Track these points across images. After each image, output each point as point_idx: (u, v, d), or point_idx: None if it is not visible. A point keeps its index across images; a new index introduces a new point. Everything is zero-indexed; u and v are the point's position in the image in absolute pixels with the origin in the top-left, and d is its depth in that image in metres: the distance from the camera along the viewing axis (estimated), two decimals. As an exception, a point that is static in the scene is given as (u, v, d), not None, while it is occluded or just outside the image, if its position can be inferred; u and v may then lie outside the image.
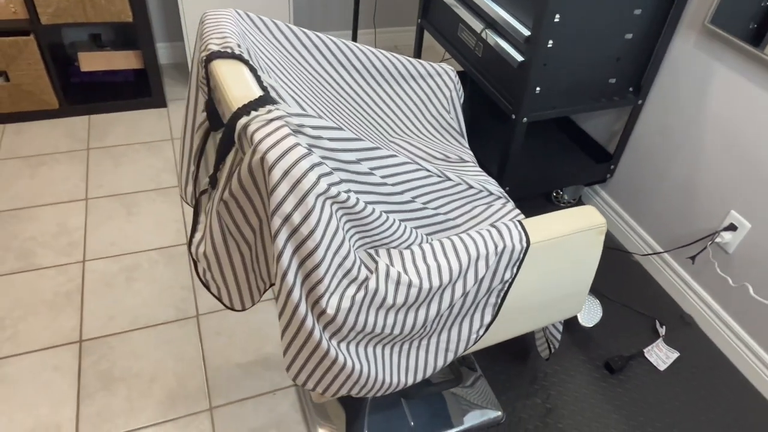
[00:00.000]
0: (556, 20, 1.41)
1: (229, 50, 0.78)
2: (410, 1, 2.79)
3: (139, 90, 2.33)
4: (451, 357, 0.89)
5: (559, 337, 1.26)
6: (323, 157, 0.72)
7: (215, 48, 0.79)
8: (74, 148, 2.07)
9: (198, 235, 0.79)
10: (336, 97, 1.11)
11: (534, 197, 2.01)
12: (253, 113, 0.66)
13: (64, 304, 1.53)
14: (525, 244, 0.83)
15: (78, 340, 1.45)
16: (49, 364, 1.39)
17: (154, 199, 1.89)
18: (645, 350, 1.55)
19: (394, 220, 0.78)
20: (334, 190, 0.66)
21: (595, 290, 1.70)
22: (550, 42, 1.44)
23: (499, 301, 0.87)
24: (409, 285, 0.75)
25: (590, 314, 1.54)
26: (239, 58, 0.77)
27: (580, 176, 1.90)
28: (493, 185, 1.21)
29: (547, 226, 0.86)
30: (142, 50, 2.19)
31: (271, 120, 0.65)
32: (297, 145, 0.64)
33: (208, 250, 0.78)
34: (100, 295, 1.57)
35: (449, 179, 1.09)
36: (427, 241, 0.87)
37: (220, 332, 1.51)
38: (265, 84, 0.76)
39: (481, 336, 0.89)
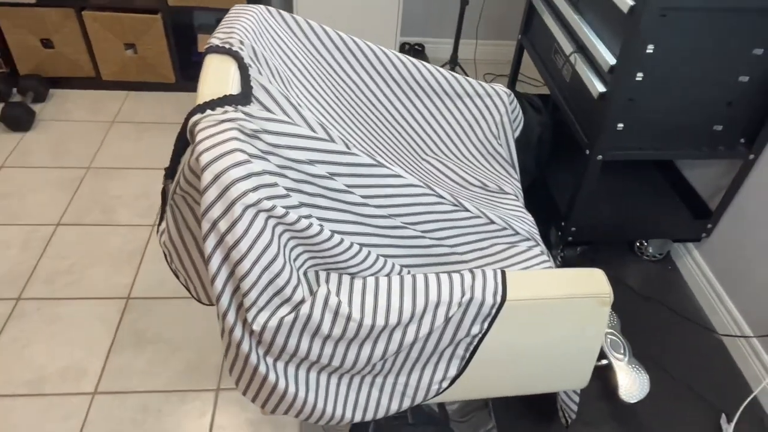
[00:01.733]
0: (649, 51, 1.24)
1: (227, 45, 0.78)
2: (516, 16, 2.65)
3: (247, 75, 2.47)
4: (408, 402, 0.81)
5: (574, 407, 1.11)
6: (283, 167, 0.69)
7: (216, 42, 0.79)
8: (178, 120, 2.25)
9: (163, 224, 0.80)
10: (365, 107, 1.07)
11: (612, 244, 1.81)
12: (208, 111, 0.65)
13: (125, 261, 1.67)
14: (499, 299, 0.73)
15: (126, 297, 1.57)
16: (96, 312, 1.52)
17: (231, 178, 1.99)
18: (699, 445, 1.32)
19: (352, 245, 0.73)
20: (267, 204, 0.63)
21: (657, 362, 1.48)
22: (640, 74, 1.27)
23: (467, 354, 0.78)
24: (348, 318, 0.69)
25: (634, 387, 1.34)
26: (234, 54, 0.77)
27: (671, 230, 1.67)
28: (524, 224, 1.10)
29: (536, 283, 0.75)
30: (253, 38, 2.31)
31: (222, 121, 0.64)
32: (235, 150, 0.62)
33: (168, 240, 0.79)
34: (157, 259, 1.68)
35: (466, 210, 1.00)
36: (399, 273, 0.80)
37: (250, 317, 1.55)
38: (252, 83, 0.74)
39: (445, 388, 0.80)
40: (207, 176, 0.61)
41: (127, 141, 2.12)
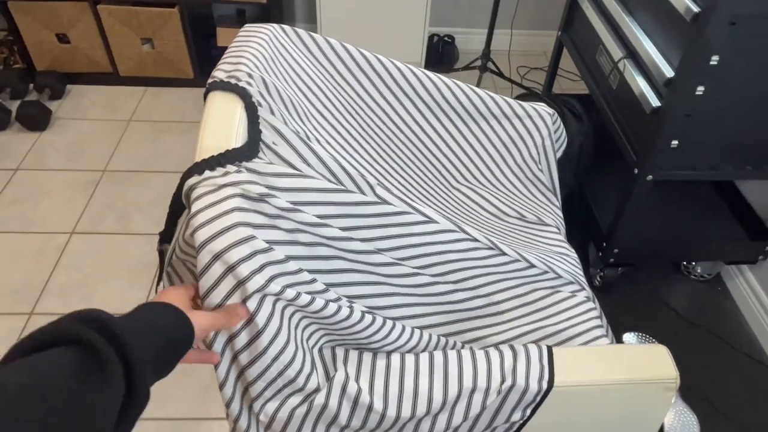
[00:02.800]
0: (713, 63, 1.09)
1: (233, 80, 0.68)
2: (555, 6, 2.47)
3: (268, 69, 2.36)
4: None
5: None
6: (293, 230, 0.59)
7: (221, 76, 0.69)
8: (197, 119, 2.16)
9: (160, 286, 0.72)
10: (390, 132, 0.96)
11: (658, 264, 1.67)
12: (207, 173, 0.55)
13: (141, 274, 1.61)
14: (545, 386, 0.62)
15: (140, 313, 1.51)
16: (110, 330, 1.46)
17: (250, 183, 1.91)
18: (752, 497, 1.20)
19: (375, 319, 0.63)
20: (275, 288, 0.53)
21: (708, 401, 1.36)
22: (700, 88, 1.13)
23: None
24: (370, 409, 0.60)
25: (681, 429, 1.23)
26: (240, 92, 0.66)
27: (724, 251, 1.53)
28: (567, 264, 0.98)
29: (589, 365, 0.64)
30: (274, 31, 2.20)
31: (222, 186, 0.54)
32: (237, 225, 0.52)
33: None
34: (172, 273, 1.61)
35: (503, 253, 0.89)
36: (427, 343, 0.70)
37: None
38: (262, 127, 0.64)
39: None
40: (205, 256, 0.52)
41: (143, 141, 2.05)
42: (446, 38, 2.50)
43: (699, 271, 1.62)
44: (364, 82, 0.92)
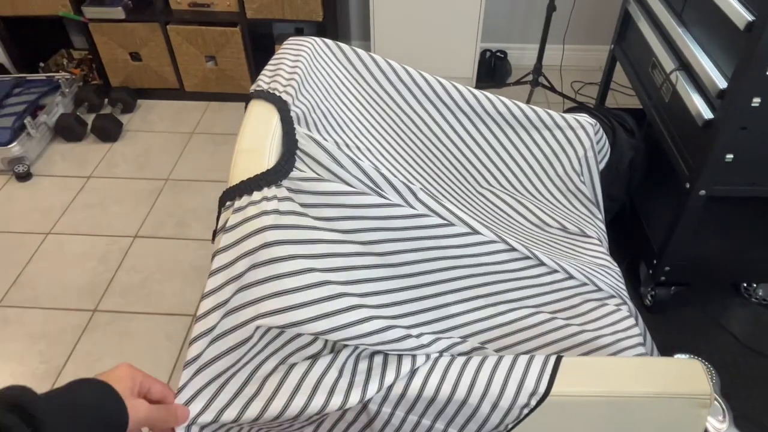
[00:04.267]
0: (770, 74, 1.05)
1: (272, 91, 0.72)
2: (608, 21, 2.42)
3: (322, 85, 2.44)
4: None
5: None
6: (331, 240, 0.62)
7: (263, 86, 0.73)
8: (254, 132, 2.26)
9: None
10: (429, 142, 0.98)
11: (715, 285, 1.59)
12: (237, 203, 0.58)
13: (195, 277, 1.69)
14: (534, 401, 0.61)
15: (192, 314, 1.59)
16: (164, 329, 1.55)
17: (301, 194, 1.97)
18: None
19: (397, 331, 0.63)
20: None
21: (766, 429, 1.28)
22: (757, 100, 1.09)
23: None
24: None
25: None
26: (278, 102, 0.70)
27: (787, 272, 1.44)
28: (608, 277, 0.96)
29: (615, 375, 0.63)
30: (329, 48, 2.28)
31: (254, 216, 0.57)
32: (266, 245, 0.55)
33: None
34: (224, 277, 1.68)
35: (541, 263, 0.89)
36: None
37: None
38: (298, 137, 0.68)
39: None
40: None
41: (204, 153, 2.16)
42: (498, 53, 2.50)
43: (761, 294, 1.53)
44: (404, 93, 0.95)
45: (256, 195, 0.59)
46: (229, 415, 0.57)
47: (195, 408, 0.57)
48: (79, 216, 1.89)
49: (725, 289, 1.58)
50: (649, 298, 1.51)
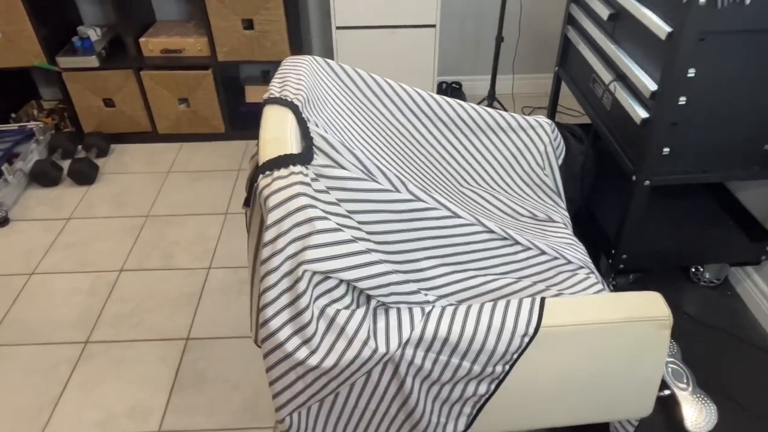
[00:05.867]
0: (691, 75, 1.24)
1: (284, 97, 0.84)
2: (550, 49, 2.69)
3: (291, 121, 2.58)
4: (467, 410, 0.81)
5: (630, 438, 1.08)
6: (341, 224, 0.73)
7: (275, 94, 0.85)
8: (229, 167, 2.36)
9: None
10: (411, 146, 1.11)
11: (666, 271, 1.77)
12: (276, 173, 0.69)
13: (184, 303, 1.74)
14: (533, 330, 0.73)
15: (185, 338, 1.63)
16: (158, 354, 1.58)
17: (280, 220, 2.06)
18: (777, 480, 1.25)
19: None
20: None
21: (725, 393, 1.42)
22: (683, 99, 1.28)
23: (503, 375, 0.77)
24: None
25: (700, 418, 1.29)
26: (290, 105, 0.82)
27: (727, 254, 1.62)
28: (577, 252, 1.10)
29: (583, 309, 0.76)
30: (297, 86, 2.43)
31: (293, 183, 0.68)
32: (304, 206, 0.67)
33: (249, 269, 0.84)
34: (214, 301, 1.74)
35: (516, 242, 1.02)
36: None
37: (304, 355, 1.58)
38: (312, 134, 0.80)
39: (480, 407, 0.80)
40: (275, 215, 0.66)
41: (181, 189, 2.23)
42: (454, 84, 2.71)
43: (708, 276, 1.71)
44: (387, 103, 1.09)
45: (292, 168, 0.70)
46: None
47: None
48: (62, 255, 1.92)
49: (677, 274, 1.76)
50: (611, 287, 1.66)
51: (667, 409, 1.40)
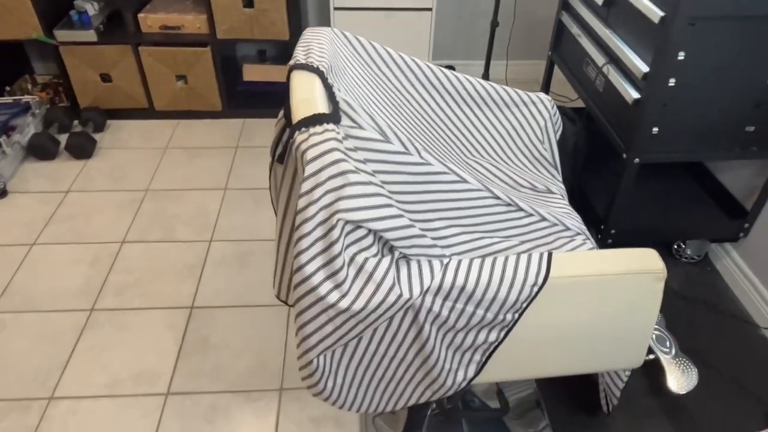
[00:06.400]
0: (680, 58, 1.32)
1: (311, 64, 0.89)
2: (544, 35, 2.77)
3: (288, 101, 2.61)
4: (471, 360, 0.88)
5: (617, 393, 1.16)
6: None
7: (301, 60, 0.90)
8: (226, 145, 2.39)
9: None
10: (418, 115, 1.17)
11: (654, 247, 1.86)
12: (312, 129, 0.75)
13: (187, 274, 1.78)
14: (542, 279, 0.80)
15: (190, 306, 1.68)
16: (164, 321, 1.63)
17: (279, 196, 2.11)
18: (750, 436, 1.35)
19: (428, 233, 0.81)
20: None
21: (703, 359, 1.52)
22: (672, 81, 1.36)
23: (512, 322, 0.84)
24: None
25: (683, 379, 1.38)
26: (317, 71, 0.87)
27: (707, 231, 1.72)
28: (574, 220, 1.17)
29: (586, 262, 0.83)
30: (294, 66, 2.47)
31: (328, 139, 0.74)
32: (341, 161, 0.72)
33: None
34: (216, 272, 1.79)
35: (520, 209, 1.09)
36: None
37: (306, 323, 1.64)
38: (338, 98, 0.85)
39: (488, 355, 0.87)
40: (314, 167, 0.71)
41: (180, 165, 2.26)
42: (448, 68, 2.76)
43: (689, 252, 1.81)
44: (399, 75, 1.14)
45: (326, 126, 0.75)
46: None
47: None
48: (63, 227, 1.94)
49: (661, 250, 1.85)
50: (599, 261, 1.74)
51: (650, 374, 1.49)
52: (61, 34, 2.24)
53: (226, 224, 1.97)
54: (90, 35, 2.25)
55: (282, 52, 2.73)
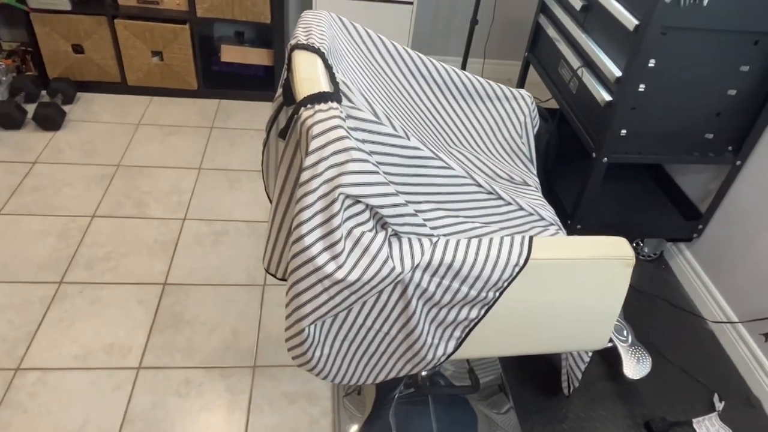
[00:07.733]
0: (651, 65, 1.41)
1: (312, 45, 0.91)
2: (521, 36, 2.85)
3: (265, 84, 2.61)
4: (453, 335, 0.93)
5: (579, 375, 1.24)
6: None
7: (302, 41, 0.93)
8: (201, 125, 2.37)
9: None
10: (406, 102, 1.21)
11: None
12: (317, 106, 0.78)
13: (160, 251, 1.77)
14: (524, 261, 0.86)
15: (163, 283, 1.67)
16: (136, 296, 1.62)
17: (255, 179, 2.11)
18: (695, 420, 1.46)
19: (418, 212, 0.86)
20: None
21: (656, 348, 1.62)
22: (642, 86, 1.44)
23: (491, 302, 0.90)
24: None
25: (637, 366, 1.48)
26: (318, 52, 0.90)
27: (664, 230, 1.83)
28: (548, 211, 1.24)
29: (561, 247, 0.89)
30: (274, 50, 2.46)
31: (332, 117, 0.77)
32: (345, 138, 0.75)
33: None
34: (189, 250, 1.79)
35: (499, 197, 1.14)
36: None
37: (280, 305, 1.66)
38: (338, 79, 0.88)
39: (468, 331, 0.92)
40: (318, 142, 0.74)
41: (153, 142, 2.23)
42: (424, 63, 2.81)
43: (646, 250, 1.92)
44: (390, 63, 1.18)
45: (331, 104, 0.78)
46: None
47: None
48: (30, 198, 1.90)
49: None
50: (564, 255, 1.83)
51: (608, 361, 1.58)
52: (34, 0, 2.17)
53: (199, 203, 1.97)
54: (64, 3, 2.19)
55: (260, 35, 2.72)
